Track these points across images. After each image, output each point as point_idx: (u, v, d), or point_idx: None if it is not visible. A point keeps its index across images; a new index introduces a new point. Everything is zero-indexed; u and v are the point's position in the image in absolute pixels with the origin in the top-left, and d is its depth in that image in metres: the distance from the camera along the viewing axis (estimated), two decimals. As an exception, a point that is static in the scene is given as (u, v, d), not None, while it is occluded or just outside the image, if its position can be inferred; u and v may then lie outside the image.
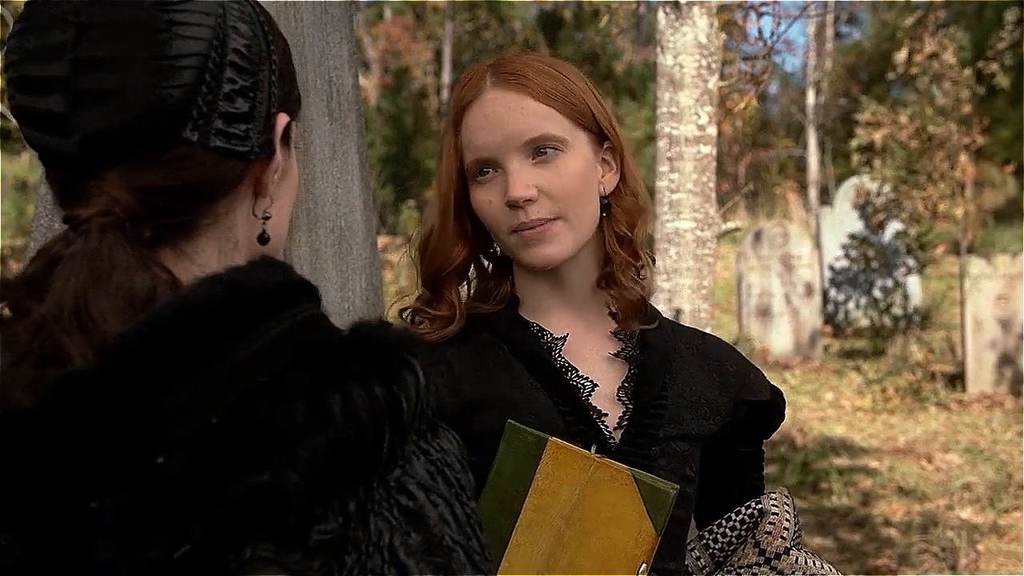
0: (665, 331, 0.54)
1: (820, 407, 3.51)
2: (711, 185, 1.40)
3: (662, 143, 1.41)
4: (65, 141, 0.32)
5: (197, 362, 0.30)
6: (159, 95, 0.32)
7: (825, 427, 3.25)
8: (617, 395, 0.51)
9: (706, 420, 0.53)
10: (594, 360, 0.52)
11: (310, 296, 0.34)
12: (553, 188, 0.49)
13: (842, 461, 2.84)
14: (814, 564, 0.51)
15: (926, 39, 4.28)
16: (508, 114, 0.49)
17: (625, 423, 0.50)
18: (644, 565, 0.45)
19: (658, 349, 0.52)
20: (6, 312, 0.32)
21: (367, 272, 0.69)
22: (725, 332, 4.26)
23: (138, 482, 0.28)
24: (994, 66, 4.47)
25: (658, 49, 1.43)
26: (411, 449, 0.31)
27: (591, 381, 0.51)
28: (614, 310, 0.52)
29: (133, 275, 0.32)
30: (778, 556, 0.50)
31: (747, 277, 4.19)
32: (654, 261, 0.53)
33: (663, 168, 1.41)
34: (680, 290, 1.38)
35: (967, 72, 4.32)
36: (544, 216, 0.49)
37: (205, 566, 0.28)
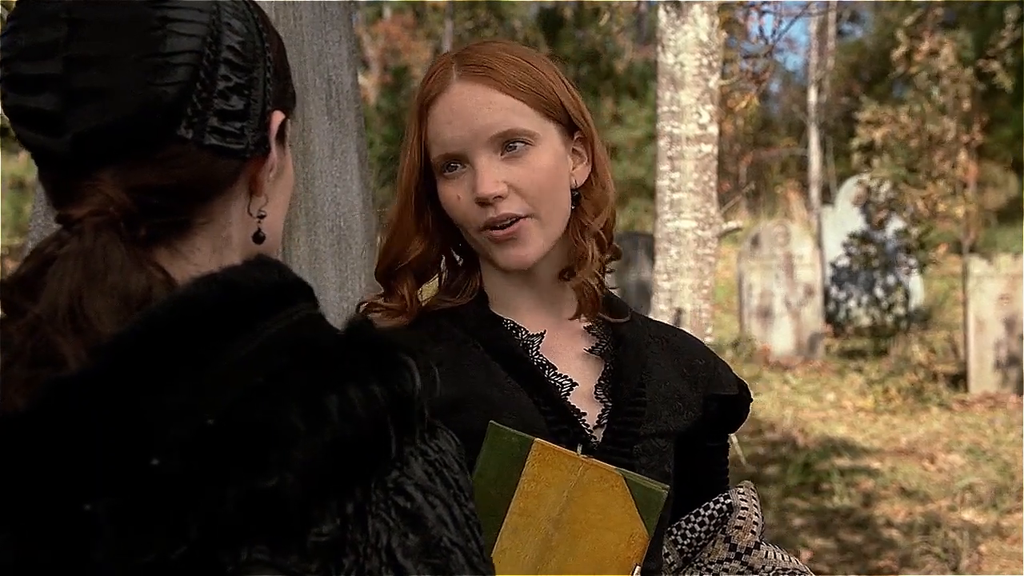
0: (636, 325, 0.53)
1: (821, 407, 3.50)
2: (712, 184, 1.39)
3: (663, 142, 1.40)
4: (58, 140, 0.32)
5: (192, 362, 0.29)
6: (153, 93, 0.32)
7: (826, 427, 3.23)
8: (595, 393, 0.50)
9: (681, 416, 0.52)
10: (570, 357, 0.51)
11: (306, 296, 0.33)
12: (523, 184, 0.48)
13: (843, 462, 2.83)
14: (783, 558, 0.50)
15: (925, 37, 4.24)
16: (476, 108, 0.47)
17: (605, 421, 0.50)
18: (638, 568, 0.45)
19: (632, 344, 0.52)
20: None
21: (366, 272, 0.68)
22: (726, 332, 4.25)
23: (133, 484, 0.28)
24: (995, 65, 4.44)
25: (659, 47, 1.42)
26: (409, 450, 0.31)
27: (569, 379, 0.50)
28: (576, 304, 0.51)
29: (128, 275, 0.31)
30: (749, 551, 0.49)
31: (748, 277, 4.18)
32: (619, 255, 0.52)
33: (664, 167, 1.40)
34: (681, 290, 1.37)
35: (967, 71, 4.30)
36: (515, 212, 0.48)
37: (201, 568, 0.28)
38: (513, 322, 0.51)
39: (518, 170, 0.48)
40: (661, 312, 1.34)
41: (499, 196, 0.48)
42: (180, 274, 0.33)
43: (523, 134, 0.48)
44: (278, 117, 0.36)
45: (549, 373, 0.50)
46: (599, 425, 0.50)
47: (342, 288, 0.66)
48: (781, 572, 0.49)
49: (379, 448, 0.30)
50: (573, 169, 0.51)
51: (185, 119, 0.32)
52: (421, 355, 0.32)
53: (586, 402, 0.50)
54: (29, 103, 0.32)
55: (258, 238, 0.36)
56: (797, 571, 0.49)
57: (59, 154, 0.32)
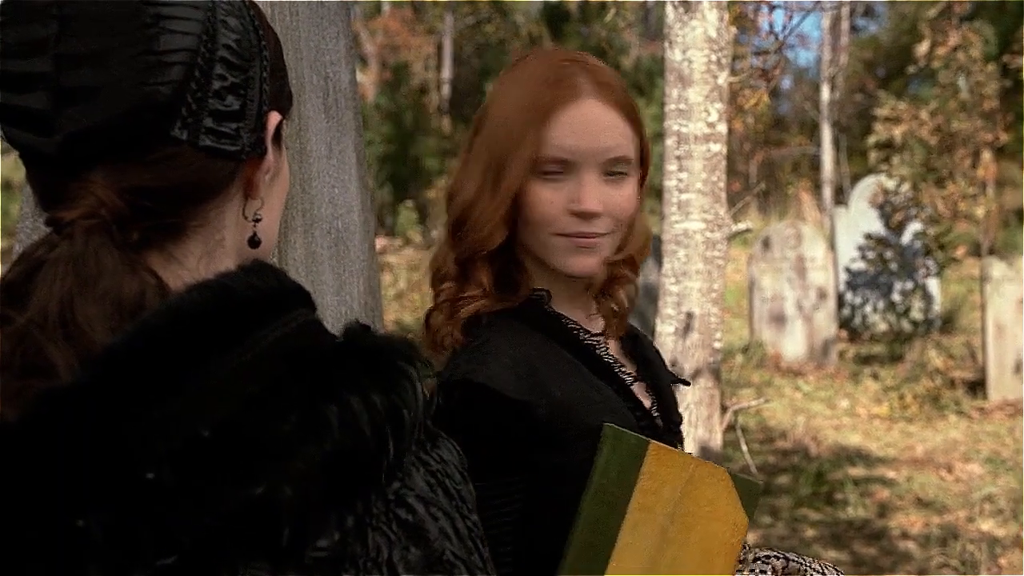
0: (630, 324, 0.57)
1: (835, 415, 3.43)
2: (721, 185, 1.36)
3: (670, 141, 1.37)
4: (48, 140, 0.31)
5: (188, 373, 0.28)
6: (146, 92, 0.31)
7: (840, 436, 3.17)
8: (646, 387, 0.54)
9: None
10: (617, 354, 0.55)
11: (304, 302, 0.32)
12: (615, 208, 0.52)
13: (858, 471, 2.78)
14: None
15: (949, 31, 4.15)
16: (604, 128, 0.51)
17: (656, 413, 0.54)
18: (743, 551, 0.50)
19: (647, 341, 0.57)
20: (-15, 320, 0.30)
21: (365, 275, 0.67)
22: (736, 337, 4.20)
23: (127, 498, 0.27)
24: (1021, 60, 4.31)
25: (666, 44, 1.39)
26: (410, 460, 0.30)
27: (631, 375, 0.54)
28: (602, 317, 0.55)
29: (120, 280, 0.30)
30: None
31: (759, 280, 4.12)
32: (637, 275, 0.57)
33: (671, 167, 1.37)
34: (689, 293, 1.35)
35: (991, 67, 4.20)
36: (603, 231, 0.52)
37: None
38: (575, 322, 0.53)
39: (615, 195, 0.52)
40: (669, 316, 1.31)
41: (597, 214, 0.51)
42: (173, 279, 0.32)
43: (628, 163, 0.53)
44: (275, 118, 0.35)
45: (619, 370, 0.53)
46: (655, 417, 0.54)
47: (340, 292, 0.65)
48: None
49: (380, 459, 0.29)
50: None
51: (179, 119, 0.31)
52: (420, 362, 0.31)
53: (643, 396, 0.54)
54: (18, 102, 0.31)
55: (253, 242, 0.35)
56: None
57: (49, 154, 0.31)
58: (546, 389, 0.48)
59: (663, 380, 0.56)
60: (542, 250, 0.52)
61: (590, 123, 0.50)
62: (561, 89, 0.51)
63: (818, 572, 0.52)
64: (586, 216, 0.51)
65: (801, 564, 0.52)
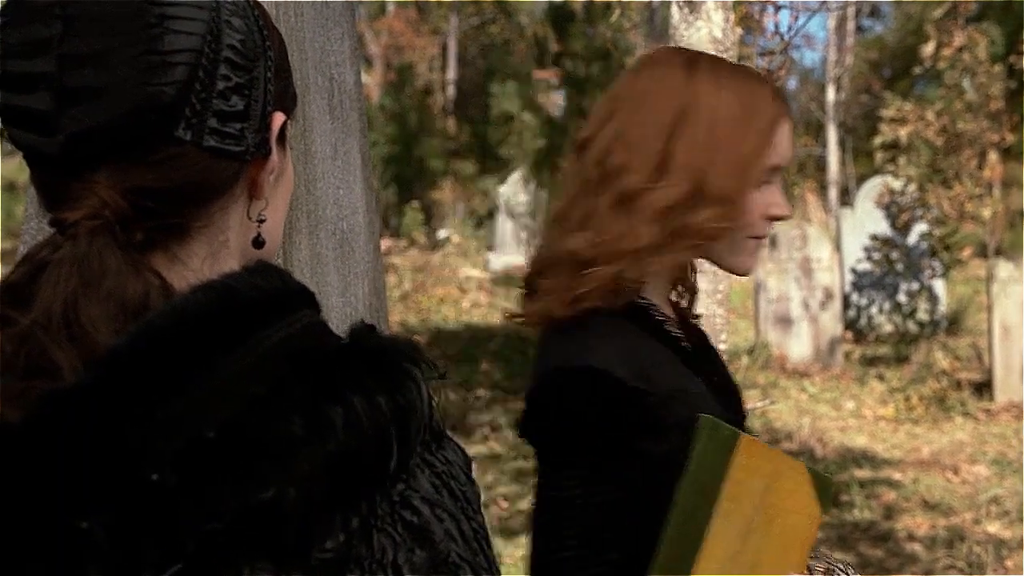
0: None
1: (840, 416, 3.41)
2: (728, 186, 1.37)
3: (678, 143, 1.37)
4: (51, 140, 0.31)
5: (192, 374, 0.28)
6: (150, 92, 0.31)
7: (846, 437, 3.15)
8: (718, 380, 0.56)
9: None
10: (692, 347, 0.56)
11: (308, 303, 0.32)
12: None
13: (864, 473, 2.77)
14: None
15: (955, 32, 4.13)
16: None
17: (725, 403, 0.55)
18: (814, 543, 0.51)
19: (702, 335, 0.57)
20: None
21: (370, 276, 0.67)
22: (741, 339, 4.16)
23: (130, 499, 0.27)
24: (1026, 61, 4.27)
25: (672, 44, 1.39)
26: (415, 461, 0.30)
27: (708, 366, 0.55)
28: (682, 296, 0.58)
29: (125, 280, 0.30)
30: None
31: (765, 281, 4.10)
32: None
33: (679, 168, 1.37)
34: (695, 294, 1.33)
35: (996, 67, 4.19)
36: None
37: None
38: (664, 314, 0.54)
39: None
40: (674, 317, 1.31)
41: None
42: (177, 280, 0.32)
43: None
44: (279, 118, 0.35)
45: (702, 363, 0.55)
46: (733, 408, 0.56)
47: (345, 293, 0.65)
48: None
49: (384, 460, 0.29)
50: None
51: (183, 120, 0.31)
52: (425, 363, 0.31)
53: (720, 388, 0.56)
54: (21, 102, 0.31)
55: (258, 243, 0.35)
56: None
57: (52, 155, 0.31)
58: (651, 378, 0.48)
59: (729, 373, 0.57)
60: (727, 250, 0.53)
61: (790, 134, 0.54)
62: (780, 101, 0.53)
63: (842, 572, 0.52)
64: (780, 220, 0.53)
65: (831, 564, 0.52)
